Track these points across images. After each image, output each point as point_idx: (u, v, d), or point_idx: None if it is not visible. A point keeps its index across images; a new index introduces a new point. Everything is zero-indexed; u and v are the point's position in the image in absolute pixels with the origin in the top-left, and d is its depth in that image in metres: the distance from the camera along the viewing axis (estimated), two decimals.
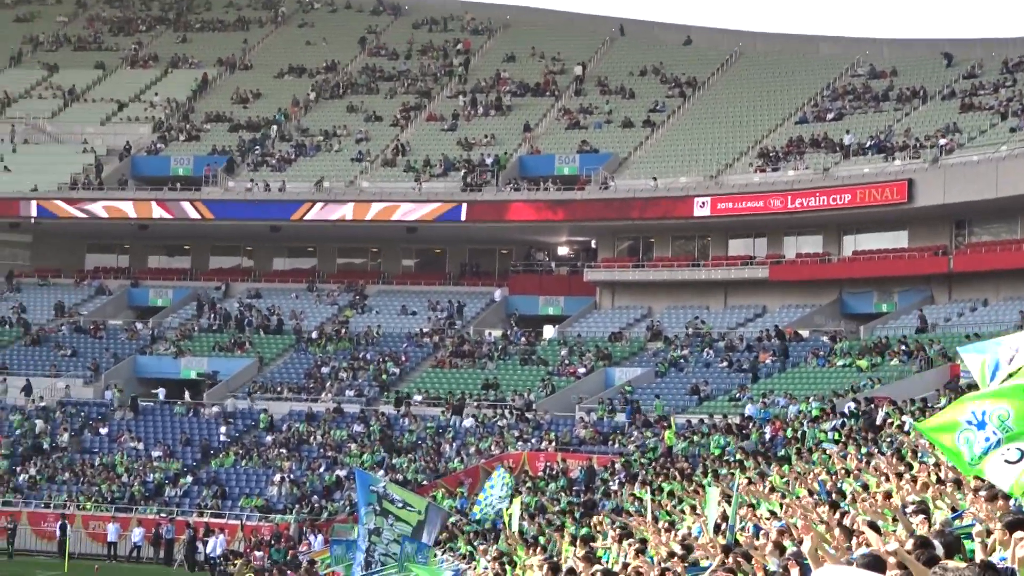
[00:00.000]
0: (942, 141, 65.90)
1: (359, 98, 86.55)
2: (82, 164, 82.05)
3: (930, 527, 14.70)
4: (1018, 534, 11.13)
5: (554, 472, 54.15)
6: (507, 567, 27.12)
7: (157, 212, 77.43)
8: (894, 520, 17.26)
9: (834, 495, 23.28)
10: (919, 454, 28.31)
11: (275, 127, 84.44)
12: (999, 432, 11.85)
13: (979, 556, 11.98)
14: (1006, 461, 11.85)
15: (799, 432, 46.32)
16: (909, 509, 16.46)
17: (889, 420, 41.31)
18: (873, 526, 15.20)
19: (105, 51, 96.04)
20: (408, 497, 29.26)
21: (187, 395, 69.81)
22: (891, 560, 10.80)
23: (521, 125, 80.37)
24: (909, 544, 11.02)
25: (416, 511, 28.28)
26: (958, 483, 19.84)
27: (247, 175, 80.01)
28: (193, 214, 76.95)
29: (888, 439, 35.61)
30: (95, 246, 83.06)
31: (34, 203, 78.00)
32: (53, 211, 78.01)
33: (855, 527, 16.25)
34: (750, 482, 31.02)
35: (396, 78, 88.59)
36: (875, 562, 10.45)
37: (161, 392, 69.87)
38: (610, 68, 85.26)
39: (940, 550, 11.23)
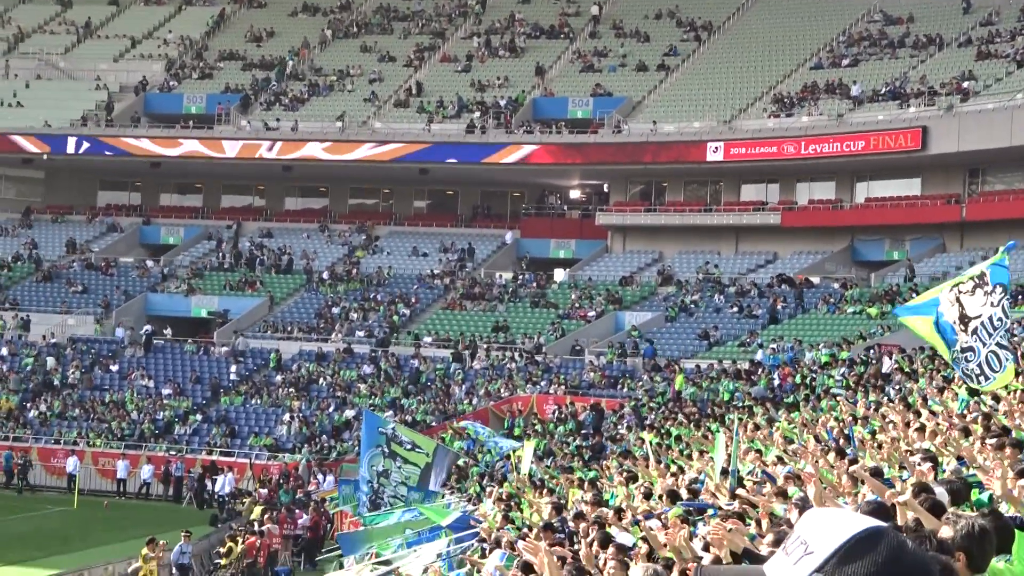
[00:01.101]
0: (964, 85, 65.56)
1: (373, 38, 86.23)
2: (95, 101, 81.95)
3: (936, 476, 14.70)
4: (1022, 481, 11.14)
5: (563, 415, 54.28)
6: (513, 509, 27.21)
7: (170, 150, 77.38)
8: (901, 467, 17.26)
9: (842, 441, 23.28)
10: (928, 401, 28.30)
11: (289, 65, 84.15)
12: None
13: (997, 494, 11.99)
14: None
15: (808, 379, 46.32)
16: (917, 457, 16.46)
17: (897, 367, 41.29)
18: (877, 472, 15.22)
19: None
20: (417, 439, 29.26)
21: (216, 331, 69.96)
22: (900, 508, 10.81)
23: (535, 67, 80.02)
24: (909, 491, 11.03)
25: (424, 453, 28.28)
26: (965, 431, 19.83)
27: (260, 114, 79.85)
28: (206, 152, 76.90)
29: (896, 387, 35.59)
30: (107, 183, 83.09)
31: (47, 139, 78.00)
32: (66, 147, 77.97)
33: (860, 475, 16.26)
34: (756, 428, 31.07)
35: (410, 18, 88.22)
36: (879, 509, 10.46)
37: (167, 331, 70.09)
38: (625, 11, 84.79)
39: (946, 496, 11.23)
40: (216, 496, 55.75)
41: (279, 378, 64.54)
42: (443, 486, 30.56)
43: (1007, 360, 14.66)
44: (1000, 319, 14.95)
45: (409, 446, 28.20)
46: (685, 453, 31.81)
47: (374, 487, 27.88)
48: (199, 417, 62.56)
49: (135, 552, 36.49)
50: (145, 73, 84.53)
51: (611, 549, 13.28)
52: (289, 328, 69.39)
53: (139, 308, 72.61)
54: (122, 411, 62.76)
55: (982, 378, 14.71)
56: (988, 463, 14.62)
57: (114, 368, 67.05)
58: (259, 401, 63.41)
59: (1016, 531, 8.54)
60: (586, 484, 29.08)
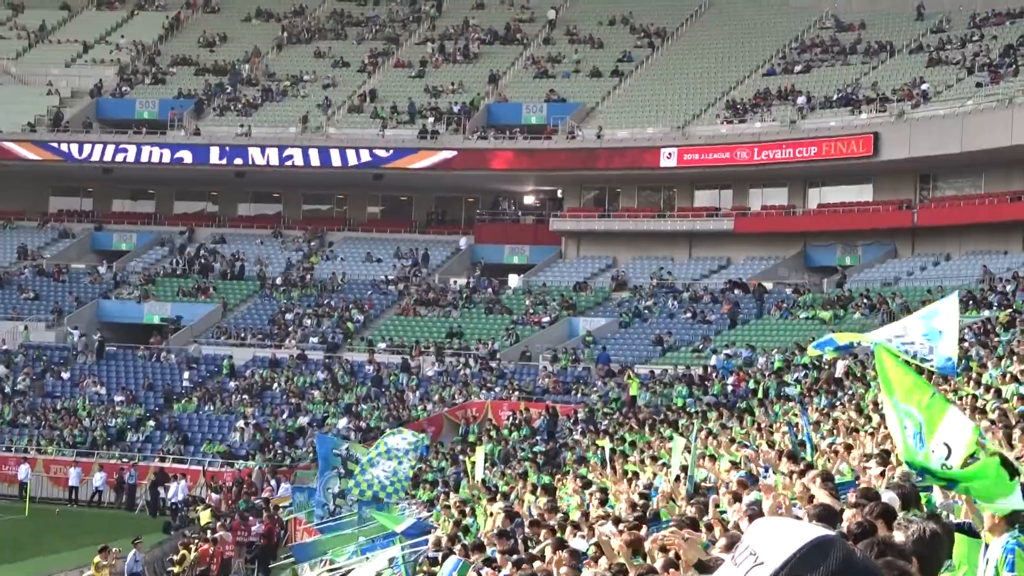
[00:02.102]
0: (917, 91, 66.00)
1: (326, 43, 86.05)
2: (46, 106, 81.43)
3: (884, 479, 14.77)
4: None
5: (517, 421, 54.28)
6: (467, 515, 27.20)
7: (122, 155, 76.99)
8: (854, 473, 17.35)
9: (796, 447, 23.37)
10: (880, 407, 28.44)
11: (245, 69, 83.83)
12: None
13: (939, 499, 12.05)
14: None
15: (761, 384, 46.52)
16: (870, 463, 16.55)
17: (849, 372, 41.51)
18: (828, 478, 15.27)
19: None
20: (371, 453, 28.98)
21: (162, 339, 69.55)
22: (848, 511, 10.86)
23: (488, 75, 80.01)
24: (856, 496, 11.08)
25: (371, 452, 28.09)
26: None
27: (214, 119, 79.56)
28: (158, 158, 76.56)
29: (849, 392, 35.79)
30: (59, 189, 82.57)
31: None
32: (16, 153, 77.46)
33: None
34: (710, 433, 31.17)
35: (364, 24, 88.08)
36: (827, 514, 10.50)
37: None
38: (579, 17, 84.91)
39: (897, 502, 11.27)
40: (169, 503, 55.45)
41: (232, 385, 64.27)
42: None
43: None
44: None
45: (362, 464, 28.11)
46: (640, 459, 31.87)
47: (330, 509, 27.76)
48: (152, 424, 62.22)
49: (87, 560, 36.26)
50: (97, 78, 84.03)
51: (564, 554, 13.30)
52: (242, 334, 69.12)
53: (91, 314, 72.18)
54: (74, 418, 62.36)
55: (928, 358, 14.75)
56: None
57: (66, 375, 66.62)
58: (212, 408, 63.13)
59: (956, 535, 8.61)
60: (540, 490, 29.08)
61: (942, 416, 11.14)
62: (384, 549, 25.62)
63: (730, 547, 11.36)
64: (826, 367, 45.69)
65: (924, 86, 66.71)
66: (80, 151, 77.34)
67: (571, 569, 12.47)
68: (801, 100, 69.78)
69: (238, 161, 75.85)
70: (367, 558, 25.50)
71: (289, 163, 75.09)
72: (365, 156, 74.15)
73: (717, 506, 16.62)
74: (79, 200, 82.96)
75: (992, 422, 19.09)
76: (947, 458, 10.95)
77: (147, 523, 51.89)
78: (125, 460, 59.00)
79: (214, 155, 76.08)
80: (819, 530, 2.85)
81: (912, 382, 11.62)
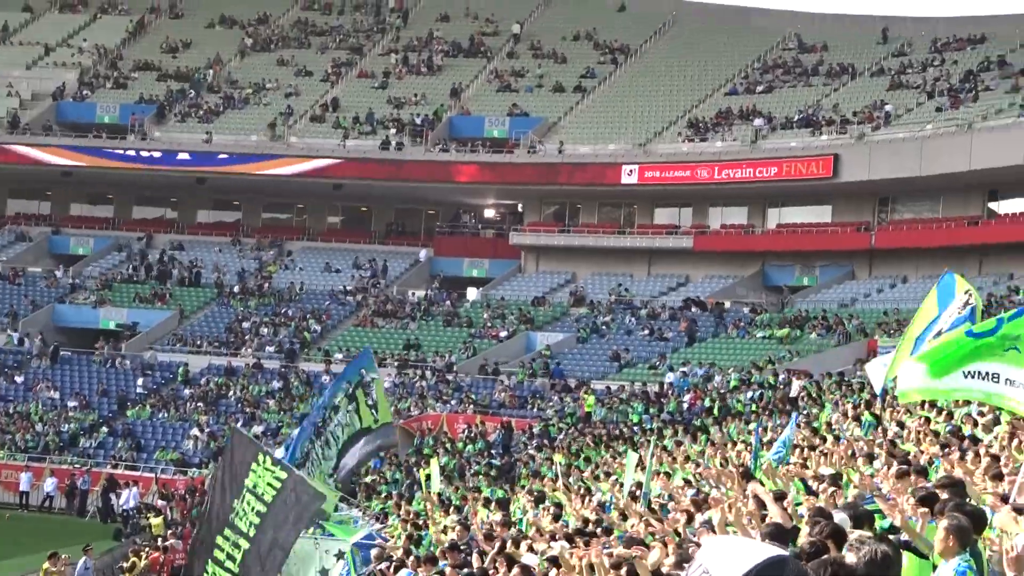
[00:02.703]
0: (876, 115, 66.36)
1: (290, 52, 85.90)
2: (6, 108, 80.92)
3: (836, 500, 14.80)
4: (923, 509, 11.25)
5: (472, 435, 54.21)
6: (420, 528, 27.11)
7: (81, 159, 76.63)
8: (807, 492, 17.38)
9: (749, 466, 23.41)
10: (832, 428, 28.57)
11: (209, 75, 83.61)
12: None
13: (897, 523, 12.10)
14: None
15: (717, 402, 46.61)
16: (823, 484, 16.58)
17: (804, 393, 41.64)
18: (780, 496, 15.31)
19: None
20: (381, 403, 27.45)
21: (109, 345, 69.08)
22: (802, 531, 10.87)
23: (451, 88, 79.99)
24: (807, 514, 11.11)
25: (375, 420, 26.71)
26: (870, 457, 20.03)
27: (174, 125, 79.28)
28: (117, 163, 76.23)
29: (803, 412, 35.89)
30: (17, 191, 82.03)
31: None
32: None
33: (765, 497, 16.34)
34: (665, 450, 31.20)
35: (328, 33, 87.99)
36: (778, 532, 10.51)
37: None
38: (543, 32, 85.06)
39: (848, 523, 11.30)
40: (120, 510, 55.10)
41: (187, 392, 63.99)
42: (349, 471, 28.80)
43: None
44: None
45: (371, 403, 26.61)
46: (594, 475, 31.87)
47: (319, 420, 26.45)
48: (105, 430, 61.85)
49: (37, 566, 35.96)
50: (59, 81, 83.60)
51: (515, 570, 13.26)
52: (198, 342, 68.83)
53: (46, 318, 71.76)
54: (27, 422, 61.92)
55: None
56: (887, 491, 14.75)
57: (19, 379, 66.16)
58: (166, 415, 62.82)
59: (904, 553, 8.62)
60: (494, 504, 29.04)
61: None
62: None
63: (680, 564, 11.36)
64: (780, 386, 45.86)
65: (888, 107, 67.11)
66: (39, 154, 76.91)
67: None
68: (761, 121, 70.05)
69: (198, 167, 75.60)
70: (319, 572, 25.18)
71: (250, 171, 74.89)
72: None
73: (660, 521, 16.64)
74: (37, 203, 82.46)
75: (944, 446, 19.17)
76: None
77: (98, 530, 51.52)
78: (77, 466, 58.61)
79: (174, 161, 75.78)
80: (772, 549, 2.84)
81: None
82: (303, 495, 17.74)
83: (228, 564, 17.71)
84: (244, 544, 17.70)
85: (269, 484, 17.80)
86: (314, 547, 20.24)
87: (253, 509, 17.75)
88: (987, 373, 12.95)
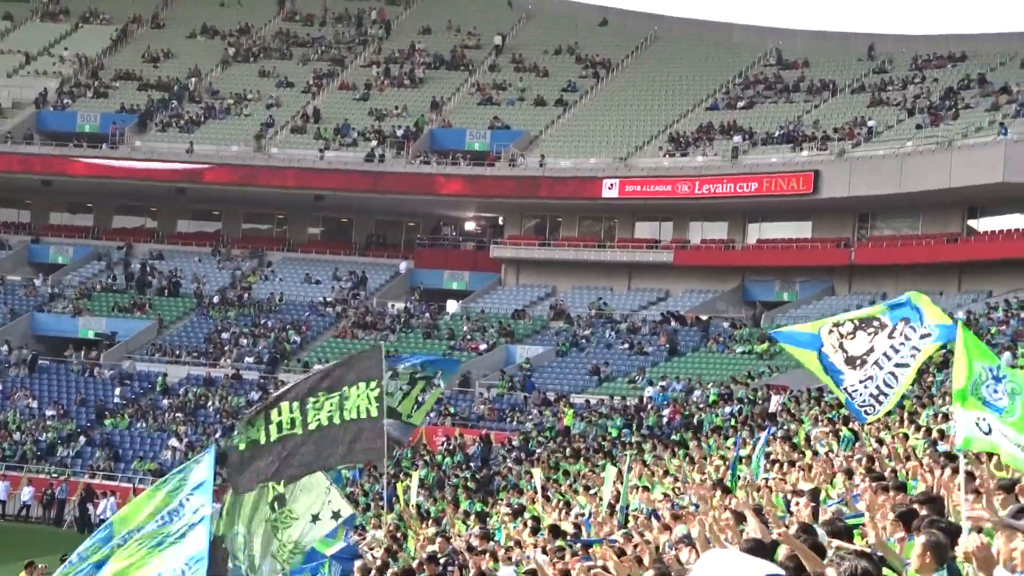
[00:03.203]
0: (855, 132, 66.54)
1: (271, 63, 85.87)
2: None
3: (817, 516, 14.84)
4: (900, 534, 11.27)
5: (451, 447, 54.17)
6: (398, 540, 27.10)
7: (61, 168, 76.46)
8: (787, 506, 17.42)
9: (727, 480, 23.45)
10: (811, 443, 28.64)
11: (192, 83, 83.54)
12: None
13: (871, 541, 12.13)
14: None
15: (696, 417, 46.65)
16: (803, 499, 16.60)
17: (784, 408, 41.72)
18: (758, 511, 15.33)
19: (15, 2, 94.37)
20: (424, 407, 24.15)
21: (77, 355, 68.87)
22: (783, 545, 10.90)
23: (431, 102, 80.00)
24: (792, 530, 11.13)
25: (407, 415, 23.57)
26: (849, 473, 20.08)
27: (155, 135, 79.17)
28: (98, 172, 76.09)
29: (782, 427, 35.95)
30: None
31: None
32: None
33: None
34: (644, 464, 31.24)
35: (309, 44, 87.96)
36: (757, 547, 10.53)
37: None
38: (525, 45, 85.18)
39: (827, 539, 11.33)
40: (98, 520, 54.90)
41: (165, 402, 63.84)
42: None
43: (902, 378, 14.64)
44: (902, 343, 14.84)
45: (420, 401, 23.53)
46: (573, 488, 31.88)
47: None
48: (83, 439, 61.65)
49: None
50: (39, 90, 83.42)
51: None
52: (177, 352, 68.68)
53: (25, 327, 71.54)
54: (4, 431, 61.72)
55: (875, 406, 14.66)
56: (865, 507, 14.78)
57: None
58: (144, 425, 62.66)
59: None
60: (473, 517, 29.05)
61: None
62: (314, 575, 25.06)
63: None
64: (760, 401, 45.95)
65: (871, 122, 67.34)
66: (19, 163, 76.76)
67: None
68: (741, 137, 70.20)
69: (178, 177, 75.50)
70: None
71: (231, 181, 74.80)
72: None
73: (642, 535, 16.66)
74: (16, 212, 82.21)
75: (921, 462, 19.21)
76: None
77: (75, 539, 51.02)
78: (55, 475, 58.42)
79: (154, 171, 75.66)
80: (769, 566, 2.85)
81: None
82: (370, 439, 17.38)
83: (273, 428, 17.52)
84: (297, 430, 17.50)
85: (358, 407, 17.50)
86: (325, 491, 19.33)
87: (328, 412, 17.49)
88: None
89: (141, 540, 12.45)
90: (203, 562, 11.94)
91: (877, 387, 14.32)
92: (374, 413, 17.58)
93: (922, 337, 14.15)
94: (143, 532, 12.60)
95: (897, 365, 14.48)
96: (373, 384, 17.80)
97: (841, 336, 14.41)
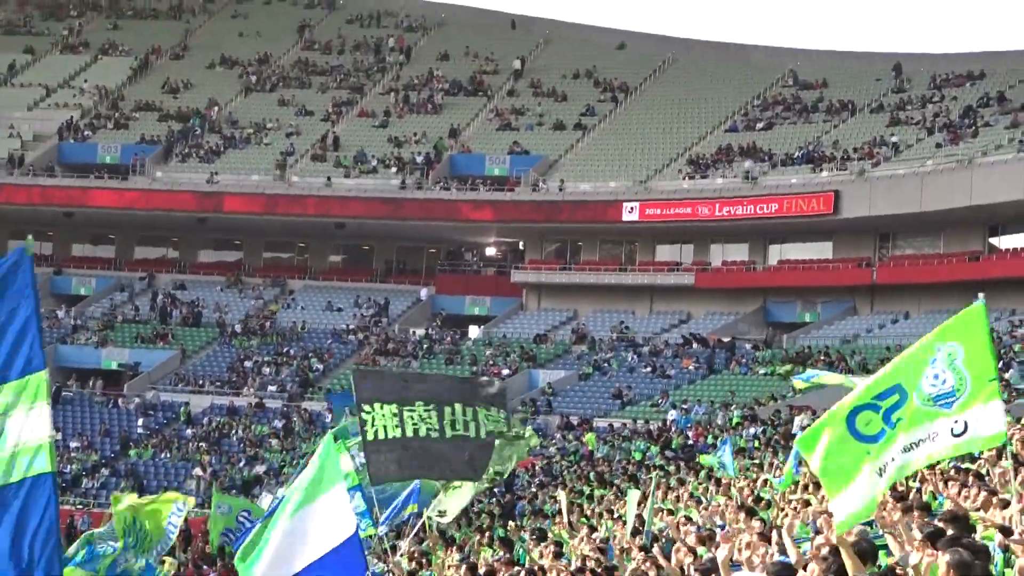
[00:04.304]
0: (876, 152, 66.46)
1: (290, 91, 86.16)
2: (8, 149, 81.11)
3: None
4: (930, 550, 11.22)
5: None
6: (422, 566, 27.05)
7: (82, 200, 76.78)
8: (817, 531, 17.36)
9: (751, 502, 23.38)
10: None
11: (213, 111, 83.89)
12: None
13: (896, 556, 12.08)
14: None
15: (720, 439, 46.47)
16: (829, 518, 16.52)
17: (807, 428, 41.57)
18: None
19: (35, 35, 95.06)
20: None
21: (96, 385, 69.09)
22: (812, 565, 10.86)
23: (449, 129, 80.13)
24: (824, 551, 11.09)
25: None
26: None
27: (176, 165, 79.48)
28: (119, 203, 76.42)
29: None
30: (18, 232, 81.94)
31: None
32: None
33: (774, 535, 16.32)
34: (668, 487, 31.15)
35: (328, 72, 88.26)
36: (785, 570, 10.51)
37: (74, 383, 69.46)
38: (543, 70, 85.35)
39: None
40: None
41: (189, 432, 63.94)
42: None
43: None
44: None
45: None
46: (597, 512, 31.81)
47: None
48: (107, 470, 61.76)
49: None
50: (60, 122, 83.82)
51: None
52: (200, 381, 68.81)
53: (49, 359, 71.54)
54: None
55: None
56: (889, 527, 14.71)
57: None
58: (168, 455, 62.73)
59: None
60: (497, 543, 28.97)
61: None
62: None
63: None
64: (783, 423, 45.82)
65: (894, 138, 67.30)
66: (41, 195, 77.10)
67: None
68: (760, 158, 70.18)
69: (200, 207, 75.74)
70: None
71: (253, 210, 75.05)
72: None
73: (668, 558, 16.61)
74: (39, 244, 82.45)
75: (946, 480, 19.13)
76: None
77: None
78: (79, 506, 58.51)
79: (175, 201, 75.95)
80: None
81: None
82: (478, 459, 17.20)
83: (408, 421, 17.34)
84: (433, 433, 17.22)
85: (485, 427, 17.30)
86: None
87: (464, 421, 17.30)
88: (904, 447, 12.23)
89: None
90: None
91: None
92: (484, 436, 17.34)
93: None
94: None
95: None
96: (502, 413, 17.63)
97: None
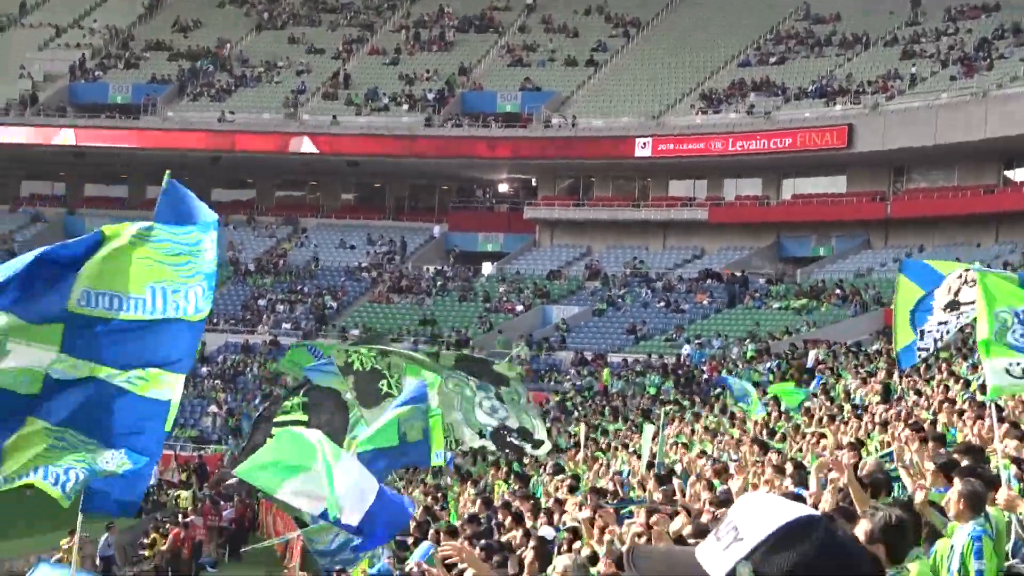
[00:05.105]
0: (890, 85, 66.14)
1: (300, 29, 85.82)
2: (19, 90, 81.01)
3: (857, 469, 14.82)
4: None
5: None
6: (438, 500, 27.20)
7: (94, 140, 76.71)
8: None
9: (764, 435, 23.46)
10: (851, 397, 28.58)
11: (226, 48, 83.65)
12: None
13: (910, 490, 12.12)
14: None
15: (734, 373, 46.54)
16: (844, 453, 16.57)
17: (822, 362, 41.65)
18: (799, 466, 15.34)
19: None
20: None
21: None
22: (826, 495, 10.89)
23: (464, 61, 79.85)
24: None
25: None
26: (884, 425, 20.04)
27: (187, 104, 79.32)
28: (131, 142, 76.35)
29: (821, 381, 35.87)
30: (31, 172, 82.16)
31: None
32: None
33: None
34: (682, 421, 31.24)
35: (338, 10, 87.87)
36: (793, 495, 10.53)
37: None
38: (554, 6, 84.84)
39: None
40: None
41: (204, 370, 64.14)
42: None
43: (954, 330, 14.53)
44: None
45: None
46: (611, 446, 31.92)
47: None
48: None
49: (57, 544, 36.12)
50: (71, 62, 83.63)
51: (531, 542, 13.30)
52: (215, 320, 68.88)
53: None
54: None
55: (927, 350, 14.56)
56: (913, 459, 14.74)
57: None
58: (184, 392, 62.87)
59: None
60: (512, 477, 29.10)
61: None
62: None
63: (698, 534, 11.41)
64: (798, 357, 45.86)
65: (910, 70, 66.87)
66: (52, 135, 77.04)
67: (537, 555, 12.47)
68: (774, 92, 69.84)
69: (212, 146, 75.64)
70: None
71: (265, 149, 74.93)
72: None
73: (683, 493, 16.68)
74: (51, 184, 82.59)
75: (960, 412, 19.17)
76: None
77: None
78: None
79: (187, 140, 75.85)
80: (804, 509, 2.83)
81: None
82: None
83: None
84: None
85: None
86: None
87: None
88: None
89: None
90: None
91: (942, 334, 14.22)
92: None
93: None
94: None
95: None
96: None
97: (964, 282, 14.18)
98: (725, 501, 14.67)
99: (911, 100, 64.38)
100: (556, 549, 13.76)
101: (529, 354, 60.65)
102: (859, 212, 65.99)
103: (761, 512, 2.81)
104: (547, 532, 16.54)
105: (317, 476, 12.54)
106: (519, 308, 66.13)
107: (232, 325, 68.15)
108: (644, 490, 19.79)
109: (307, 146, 74.59)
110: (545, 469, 29.29)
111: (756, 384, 39.28)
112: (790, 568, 2.74)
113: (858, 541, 3.73)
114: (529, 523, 17.91)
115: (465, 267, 72.55)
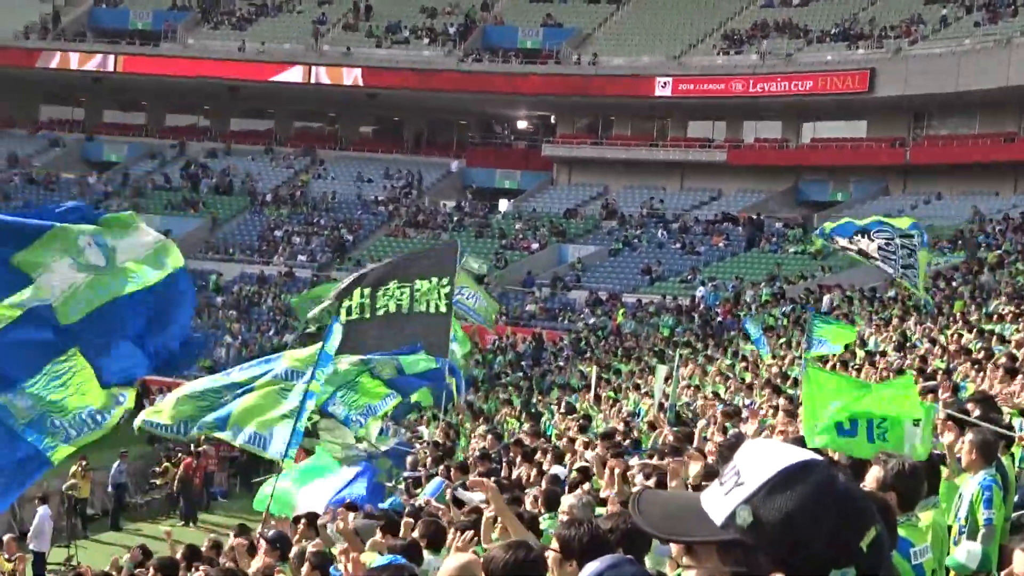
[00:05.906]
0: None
1: None
2: (40, 13, 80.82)
3: None
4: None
5: (503, 346, 54.39)
6: (450, 437, 27.30)
7: (114, 65, 76.58)
8: None
9: (778, 380, 23.47)
10: (865, 343, 28.59)
11: None
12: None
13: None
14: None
15: (746, 317, 46.54)
16: None
17: (836, 308, 41.64)
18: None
19: None
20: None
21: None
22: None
23: (481, 2, 79.35)
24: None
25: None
26: (900, 371, 20.05)
27: (207, 32, 79.07)
28: (150, 69, 76.20)
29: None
30: (50, 97, 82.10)
31: None
32: (7, 60, 76.95)
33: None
34: (696, 364, 31.27)
35: None
36: (800, 440, 10.56)
37: None
38: None
39: None
40: None
41: (219, 300, 64.27)
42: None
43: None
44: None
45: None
46: (623, 386, 32.00)
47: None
48: None
49: (65, 470, 36.30)
50: None
51: (543, 480, 13.37)
52: (231, 250, 69.03)
53: None
54: None
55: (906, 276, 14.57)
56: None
57: None
58: (198, 323, 63.06)
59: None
60: (525, 415, 29.22)
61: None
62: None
63: (707, 477, 11.45)
64: (814, 301, 45.80)
65: (935, 15, 66.33)
66: (72, 59, 76.91)
67: (546, 495, 12.52)
68: (795, 35, 69.41)
69: (231, 75, 75.46)
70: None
71: (284, 79, 74.78)
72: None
73: (701, 435, 16.71)
74: (70, 109, 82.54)
75: (977, 361, 19.17)
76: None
77: (131, 435, 51.92)
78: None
79: (207, 69, 75.66)
80: (807, 454, 2.85)
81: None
82: (437, 333, 17.57)
83: (343, 313, 17.86)
84: (366, 315, 17.77)
85: (427, 300, 17.69)
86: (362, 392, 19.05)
87: (398, 301, 17.69)
88: None
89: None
90: None
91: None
92: (443, 309, 17.79)
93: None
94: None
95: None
96: (445, 280, 18.01)
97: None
98: (735, 444, 14.73)
99: (933, 46, 63.96)
100: (566, 488, 13.83)
101: (545, 294, 60.71)
102: (878, 158, 65.74)
103: (762, 456, 2.83)
104: (558, 471, 16.63)
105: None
106: (535, 246, 66.11)
107: (247, 256, 68.23)
108: (654, 430, 19.86)
109: (326, 77, 74.38)
110: (559, 408, 29.38)
111: (771, 329, 39.31)
112: (788, 511, 2.76)
113: (861, 487, 3.75)
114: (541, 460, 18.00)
115: (482, 203, 72.46)
